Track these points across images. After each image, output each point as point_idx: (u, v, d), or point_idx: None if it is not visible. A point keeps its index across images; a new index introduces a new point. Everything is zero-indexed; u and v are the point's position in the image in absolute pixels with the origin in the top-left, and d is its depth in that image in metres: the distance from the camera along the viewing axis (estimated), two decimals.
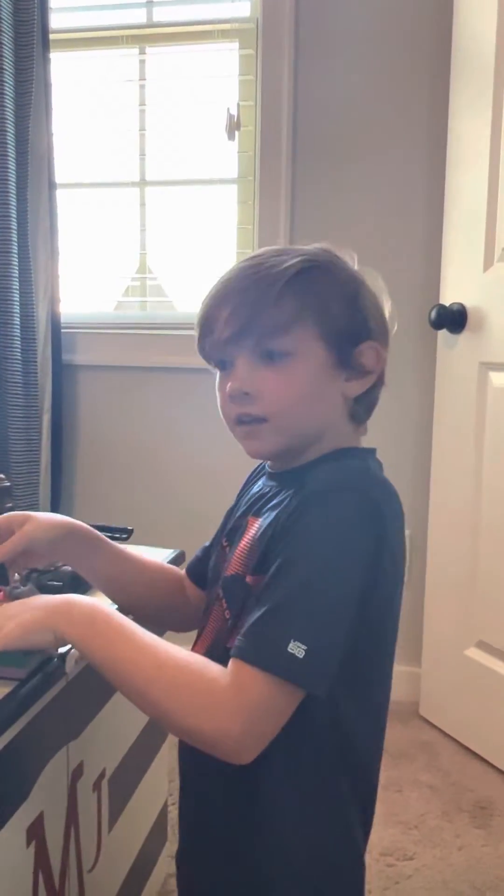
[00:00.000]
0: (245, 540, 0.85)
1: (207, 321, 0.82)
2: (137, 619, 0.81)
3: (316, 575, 0.72)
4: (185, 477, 2.21)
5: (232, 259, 2.23)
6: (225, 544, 0.91)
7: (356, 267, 0.85)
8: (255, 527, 0.84)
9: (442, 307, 1.91)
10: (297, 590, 0.72)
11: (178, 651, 0.75)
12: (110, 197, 2.31)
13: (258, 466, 0.97)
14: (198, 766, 0.85)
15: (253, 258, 0.82)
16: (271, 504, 0.83)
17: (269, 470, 0.89)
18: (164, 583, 1.01)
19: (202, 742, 0.72)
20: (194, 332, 0.85)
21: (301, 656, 0.70)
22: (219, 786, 0.83)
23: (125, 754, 1.16)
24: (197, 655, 0.76)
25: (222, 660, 0.75)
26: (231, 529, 0.91)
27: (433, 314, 1.90)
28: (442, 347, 1.98)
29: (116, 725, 1.12)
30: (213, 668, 0.74)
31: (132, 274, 2.32)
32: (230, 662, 0.73)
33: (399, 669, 2.26)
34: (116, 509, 2.23)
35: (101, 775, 1.06)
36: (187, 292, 2.30)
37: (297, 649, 0.70)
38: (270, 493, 0.86)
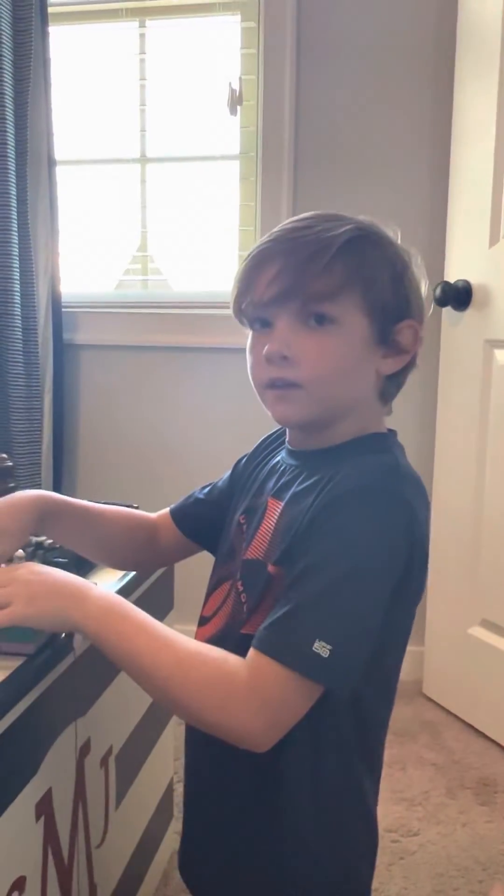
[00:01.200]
0: (266, 524, 0.85)
1: (249, 279, 0.81)
2: (112, 566, 0.79)
3: (348, 577, 0.73)
4: (188, 456, 2.21)
5: (234, 237, 2.22)
6: (242, 521, 0.90)
7: (399, 241, 0.85)
8: (277, 511, 0.84)
9: (447, 284, 1.90)
10: (328, 589, 0.72)
11: (195, 645, 0.76)
12: (111, 174, 2.29)
13: (273, 435, 0.96)
14: (212, 756, 0.86)
15: (302, 220, 0.81)
16: (296, 489, 0.83)
17: (290, 447, 0.88)
18: (135, 531, 1.01)
19: (224, 735, 0.74)
20: (232, 290, 0.83)
21: (326, 655, 0.71)
22: (236, 770, 0.84)
23: (132, 732, 1.17)
24: (213, 648, 0.77)
25: (237, 645, 0.77)
26: (249, 507, 0.90)
27: (437, 291, 1.90)
28: (446, 325, 1.97)
29: (123, 703, 1.13)
30: (231, 661, 0.75)
31: (133, 252, 2.32)
32: (251, 653, 0.74)
33: None
34: (119, 488, 2.23)
35: (109, 752, 1.07)
36: (188, 270, 2.29)
37: (322, 648, 0.71)
38: (293, 475, 0.85)
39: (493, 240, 1.84)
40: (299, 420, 0.83)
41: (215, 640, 0.84)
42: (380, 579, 0.74)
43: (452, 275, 1.93)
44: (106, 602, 0.78)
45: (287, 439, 0.90)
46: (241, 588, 0.85)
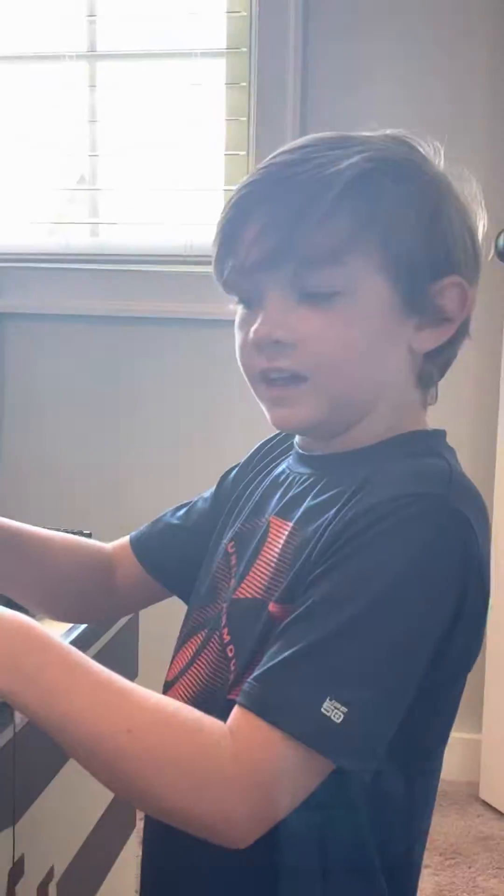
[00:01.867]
0: (269, 551, 0.84)
1: (229, 237, 0.81)
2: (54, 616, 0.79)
3: (376, 614, 0.72)
4: (154, 464, 2.22)
5: (218, 164, 2.23)
6: (231, 550, 0.90)
7: (442, 164, 0.84)
8: (284, 534, 0.83)
9: None
10: (347, 630, 0.72)
11: (157, 700, 0.74)
12: (44, 73, 2.29)
13: (275, 439, 0.97)
14: (178, 849, 0.83)
15: (297, 149, 0.81)
16: (309, 504, 0.83)
17: (301, 450, 0.89)
18: (88, 569, 1.01)
19: (197, 826, 0.72)
20: (212, 249, 0.84)
21: (338, 721, 0.70)
22: (211, 869, 0.82)
23: (81, 846, 1.15)
24: (183, 706, 0.75)
25: (220, 716, 0.75)
26: (241, 532, 0.90)
27: (501, 241, 1.90)
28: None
29: (70, 804, 1.11)
30: (207, 724, 0.73)
31: (76, 185, 2.32)
32: (236, 713, 0.73)
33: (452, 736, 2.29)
34: (57, 507, 2.21)
35: (49, 875, 1.05)
36: (153, 212, 2.29)
37: (333, 711, 0.70)
38: (305, 486, 0.85)
39: None
40: (305, 424, 0.84)
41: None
42: (421, 620, 0.73)
43: None
44: (20, 633, 0.74)
45: (296, 441, 0.90)
46: (226, 638, 0.84)
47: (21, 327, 2.27)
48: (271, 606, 0.80)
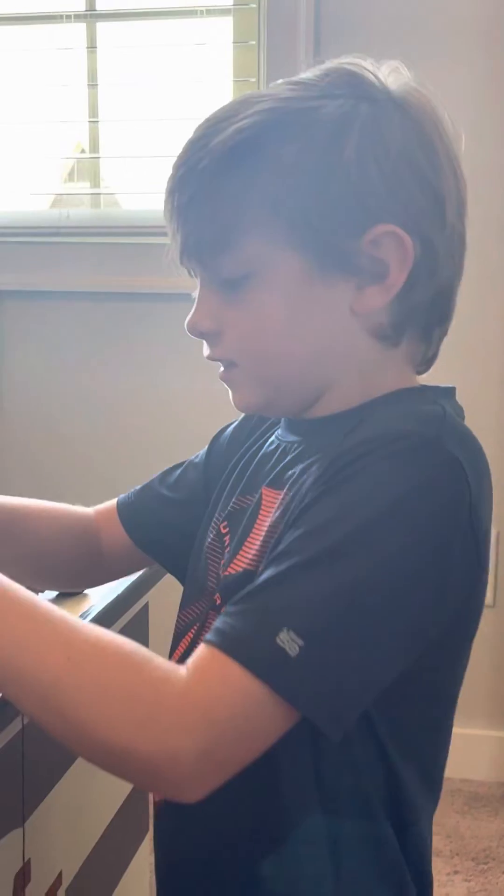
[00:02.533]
0: (262, 522, 0.83)
1: (166, 220, 0.83)
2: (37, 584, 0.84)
3: (349, 547, 0.70)
4: (153, 443, 2.20)
5: None
6: (224, 530, 0.89)
7: (403, 86, 0.78)
8: (276, 502, 0.82)
9: None
10: (314, 560, 0.70)
11: (102, 632, 0.72)
12: (43, 36, 2.30)
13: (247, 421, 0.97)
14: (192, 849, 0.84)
15: (200, 127, 0.79)
16: (301, 467, 0.82)
17: (290, 417, 0.89)
18: (73, 536, 1.02)
19: (137, 766, 0.69)
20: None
21: (293, 654, 0.67)
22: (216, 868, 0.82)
23: (91, 851, 1.14)
24: (135, 645, 0.71)
25: None
26: (234, 510, 0.89)
27: None
28: None
29: (79, 804, 1.10)
30: (158, 660, 0.70)
31: (75, 154, 2.33)
32: (198, 648, 0.70)
33: (480, 735, 2.33)
34: (53, 484, 2.21)
35: (58, 881, 1.05)
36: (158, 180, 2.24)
37: (288, 643, 0.67)
38: (296, 453, 0.84)
39: None
40: (256, 407, 0.86)
41: None
42: (400, 560, 0.70)
43: None
44: None
45: None
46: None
47: (18, 305, 2.28)
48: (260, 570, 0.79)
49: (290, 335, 0.79)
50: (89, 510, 1.04)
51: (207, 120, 0.79)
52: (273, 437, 0.90)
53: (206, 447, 1.00)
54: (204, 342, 0.83)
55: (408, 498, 0.71)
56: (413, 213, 0.77)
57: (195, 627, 0.87)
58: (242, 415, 0.97)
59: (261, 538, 0.82)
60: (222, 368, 0.83)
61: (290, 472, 0.82)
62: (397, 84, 0.78)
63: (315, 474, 0.77)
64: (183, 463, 1.02)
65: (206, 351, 0.84)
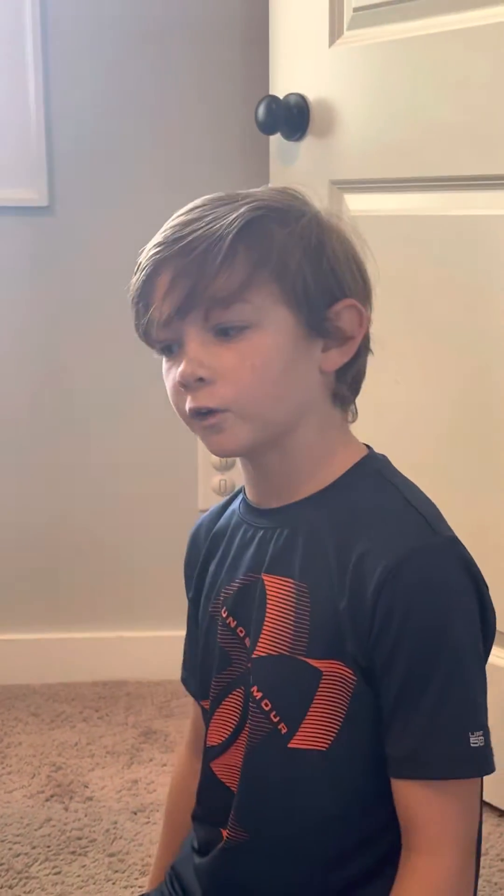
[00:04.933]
0: (278, 609, 0.97)
1: (143, 296, 0.94)
2: None
3: (458, 662, 0.91)
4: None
5: None
6: (232, 624, 1.02)
7: (320, 208, 0.98)
8: (291, 592, 0.96)
9: (273, 100, 1.90)
10: (445, 682, 0.90)
11: None
12: None
13: (197, 532, 1.14)
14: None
15: (191, 210, 0.94)
16: (299, 558, 0.97)
17: (254, 504, 1.03)
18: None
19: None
20: (131, 310, 0.97)
21: (482, 744, 0.91)
22: None
23: None
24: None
25: (283, 765, 0.95)
26: (233, 601, 1.02)
27: (261, 111, 1.89)
28: (276, 161, 1.97)
29: None
30: (403, 881, 0.93)
31: None
32: (409, 795, 0.92)
33: None
34: None
35: None
36: None
37: (477, 739, 0.90)
38: (283, 540, 0.98)
39: (335, 33, 1.85)
40: (239, 447, 0.97)
41: (243, 770, 0.99)
42: (474, 641, 0.94)
43: (280, 87, 1.93)
44: None
45: (245, 496, 1.05)
46: (258, 695, 0.97)
47: None
48: (317, 663, 0.94)
49: (282, 381, 0.94)
50: (190, 736, 1.19)
51: (196, 208, 0.94)
52: (243, 526, 1.04)
53: (185, 578, 1.15)
54: (188, 398, 0.93)
55: (460, 607, 0.92)
56: (362, 295, 0.97)
57: (233, 696, 1.02)
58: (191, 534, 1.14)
59: (289, 626, 0.96)
60: (203, 418, 0.94)
61: (291, 561, 0.97)
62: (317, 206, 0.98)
63: (334, 583, 0.93)
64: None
65: (190, 403, 0.93)
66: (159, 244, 0.93)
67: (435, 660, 0.90)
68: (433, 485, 1.03)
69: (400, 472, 1.01)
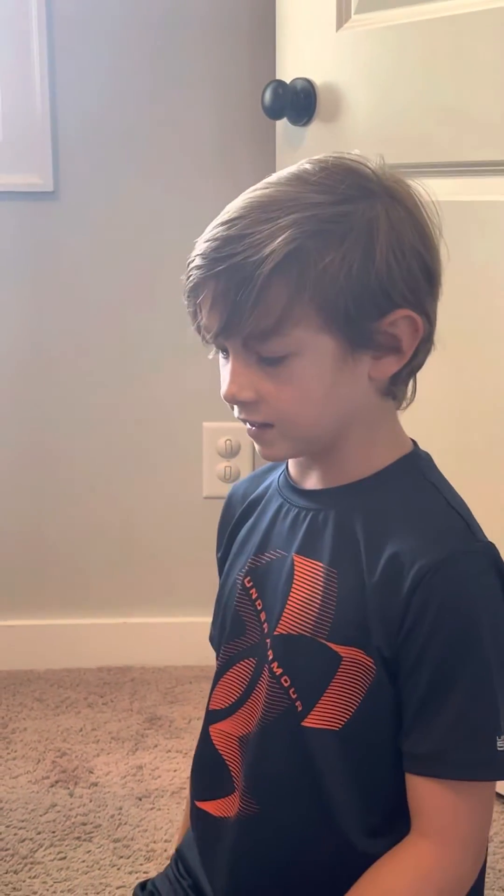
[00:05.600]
0: (303, 590, 0.98)
1: (191, 303, 0.95)
2: None
3: (484, 667, 0.91)
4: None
5: None
6: (249, 585, 1.04)
7: (391, 178, 0.94)
8: (320, 574, 0.97)
9: (280, 85, 1.89)
10: (472, 683, 0.91)
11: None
12: None
13: (234, 493, 1.13)
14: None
15: (232, 221, 0.91)
16: (330, 543, 0.97)
17: (296, 484, 1.03)
18: None
19: None
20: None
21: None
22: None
23: None
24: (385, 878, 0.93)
25: (292, 743, 0.96)
26: (255, 568, 1.03)
27: (267, 96, 1.88)
28: (283, 147, 1.97)
29: None
30: (399, 853, 0.94)
31: None
32: (423, 789, 0.92)
33: None
34: None
35: None
36: None
37: (502, 743, 0.90)
38: (318, 522, 0.99)
39: (343, 17, 1.84)
40: (285, 456, 1.02)
41: (254, 742, 1.00)
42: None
43: (287, 72, 1.92)
44: None
45: (287, 472, 1.05)
46: (278, 671, 0.98)
47: None
48: (338, 648, 0.95)
49: (324, 404, 0.94)
50: None
51: (242, 215, 0.91)
52: (280, 500, 1.04)
53: (217, 536, 1.15)
54: (235, 407, 0.96)
55: (492, 610, 0.92)
56: (420, 296, 0.93)
57: (248, 662, 1.03)
58: (229, 490, 1.15)
59: (314, 608, 0.96)
60: (251, 426, 0.97)
61: (322, 545, 0.98)
62: (386, 176, 0.94)
63: (363, 571, 0.94)
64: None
65: (238, 413, 0.96)
66: (201, 256, 0.92)
67: (463, 663, 0.91)
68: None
69: (440, 473, 1.01)
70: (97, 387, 2.22)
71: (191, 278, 0.93)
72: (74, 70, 2.11)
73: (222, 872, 1.03)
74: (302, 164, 0.94)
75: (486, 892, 1.47)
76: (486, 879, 1.52)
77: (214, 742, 1.05)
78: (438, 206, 0.98)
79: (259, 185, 0.95)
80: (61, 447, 2.24)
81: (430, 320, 0.95)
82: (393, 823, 0.95)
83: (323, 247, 0.89)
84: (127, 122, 2.15)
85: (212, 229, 0.93)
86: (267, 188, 0.93)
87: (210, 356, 0.99)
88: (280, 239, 0.88)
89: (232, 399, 0.95)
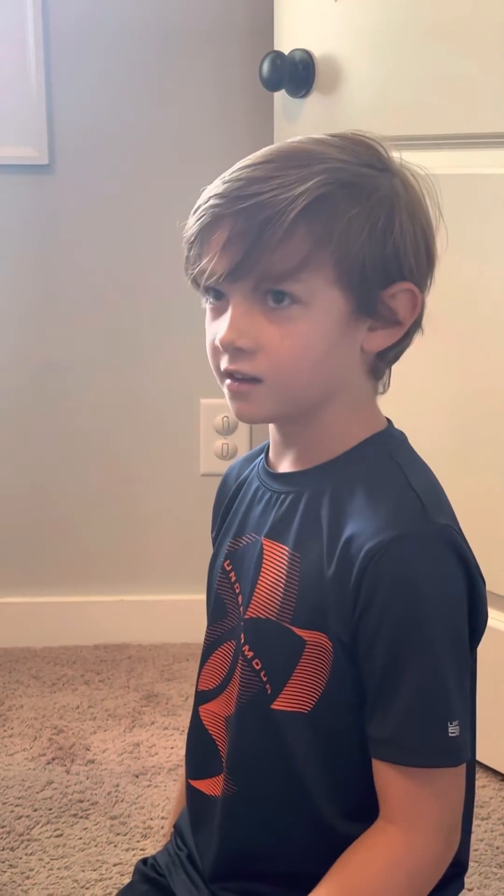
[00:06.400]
0: (270, 574, 0.99)
1: (196, 245, 0.92)
2: None
3: (429, 653, 0.90)
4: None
5: None
6: (228, 568, 1.05)
7: (399, 162, 0.95)
8: (284, 559, 0.98)
9: (278, 56, 1.88)
10: (426, 669, 0.90)
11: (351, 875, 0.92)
12: None
13: (238, 462, 1.13)
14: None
15: (260, 165, 0.90)
16: (297, 528, 0.97)
17: (270, 468, 1.03)
18: None
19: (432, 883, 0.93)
20: (183, 246, 0.94)
21: (458, 733, 0.90)
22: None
23: None
24: (354, 859, 0.93)
25: (263, 725, 0.97)
26: (232, 551, 1.04)
27: (265, 67, 1.87)
28: (281, 118, 1.97)
29: None
30: (372, 837, 0.93)
31: None
32: (395, 780, 0.92)
33: None
34: None
35: None
36: None
37: (454, 729, 0.90)
38: (286, 505, 0.99)
39: None
40: (261, 418, 0.98)
41: (234, 724, 1.00)
42: (460, 627, 0.93)
43: (285, 43, 1.91)
44: None
45: (265, 459, 1.04)
46: (249, 654, 0.99)
47: None
48: (301, 632, 0.95)
49: (320, 362, 0.93)
50: None
51: (271, 160, 0.90)
52: (256, 483, 1.04)
53: (212, 515, 1.14)
54: (226, 357, 0.93)
55: (441, 592, 0.91)
56: (421, 274, 0.95)
57: (227, 645, 1.03)
58: (224, 471, 1.14)
59: (278, 592, 0.97)
60: (235, 381, 0.93)
61: (289, 529, 0.98)
62: (397, 160, 0.95)
63: (323, 553, 0.94)
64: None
65: (227, 364, 0.93)
66: (220, 196, 0.90)
67: (412, 647, 0.90)
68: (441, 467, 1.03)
69: (412, 451, 1.00)
70: (94, 363, 2.22)
71: (202, 218, 0.91)
72: (70, 40, 2.10)
73: (210, 850, 1.04)
74: (320, 134, 0.95)
75: (482, 868, 1.52)
76: (483, 856, 1.56)
77: (204, 722, 1.06)
78: (438, 179, 0.98)
79: (277, 144, 0.95)
80: (58, 425, 2.24)
81: (424, 302, 0.96)
82: (371, 807, 0.95)
83: (351, 199, 0.89)
84: (122, 93, 2.14)
85: (232, 172, 0.92)
86: (291, 144, 0.94)
87: (203, 304, 0.97)
88: (313, 182, 0.88)
89: (230, 345, 0.91)
